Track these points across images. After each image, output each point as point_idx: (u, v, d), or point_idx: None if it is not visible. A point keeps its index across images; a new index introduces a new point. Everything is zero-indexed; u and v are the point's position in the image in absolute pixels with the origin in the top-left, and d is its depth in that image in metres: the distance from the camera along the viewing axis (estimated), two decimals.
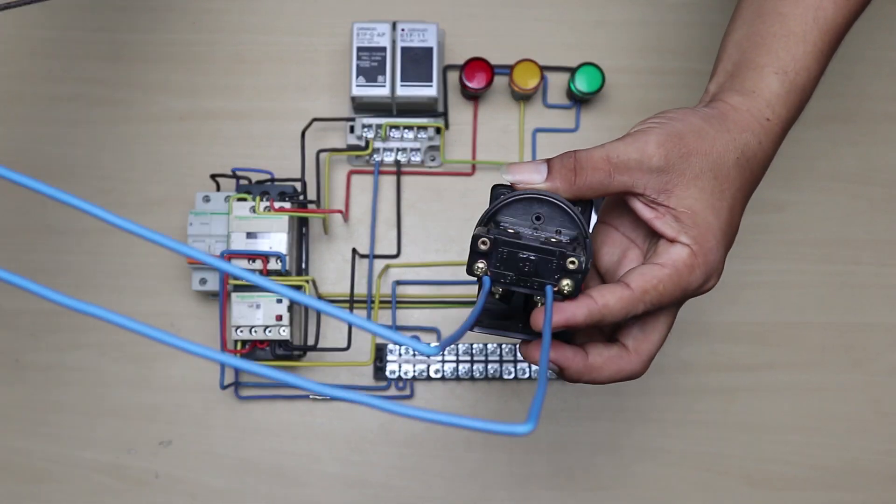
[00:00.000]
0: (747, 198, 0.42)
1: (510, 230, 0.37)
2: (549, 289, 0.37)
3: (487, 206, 0.40)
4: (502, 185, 0.40)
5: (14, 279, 0.27)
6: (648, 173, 0.39)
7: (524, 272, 0.37)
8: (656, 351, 0.42)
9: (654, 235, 0.41)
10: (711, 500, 0.66)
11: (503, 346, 0.66)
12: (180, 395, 0.66)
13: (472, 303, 0.67)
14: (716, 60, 0.45)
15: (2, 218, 0.68)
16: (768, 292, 0.68)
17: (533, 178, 0.39)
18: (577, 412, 0.66)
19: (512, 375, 0.65)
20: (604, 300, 0.38)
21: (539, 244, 0.36)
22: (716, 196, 0.39)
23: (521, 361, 0.65)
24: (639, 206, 0.40)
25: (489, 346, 0.66)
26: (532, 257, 0.37)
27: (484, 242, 0.37)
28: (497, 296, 0.39)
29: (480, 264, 0.37)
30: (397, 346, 0.65)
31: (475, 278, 0.38)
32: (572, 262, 0.36)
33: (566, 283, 0.37)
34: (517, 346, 0.66)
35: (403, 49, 0.64)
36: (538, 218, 0.39)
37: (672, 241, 0.39)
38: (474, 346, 0.66)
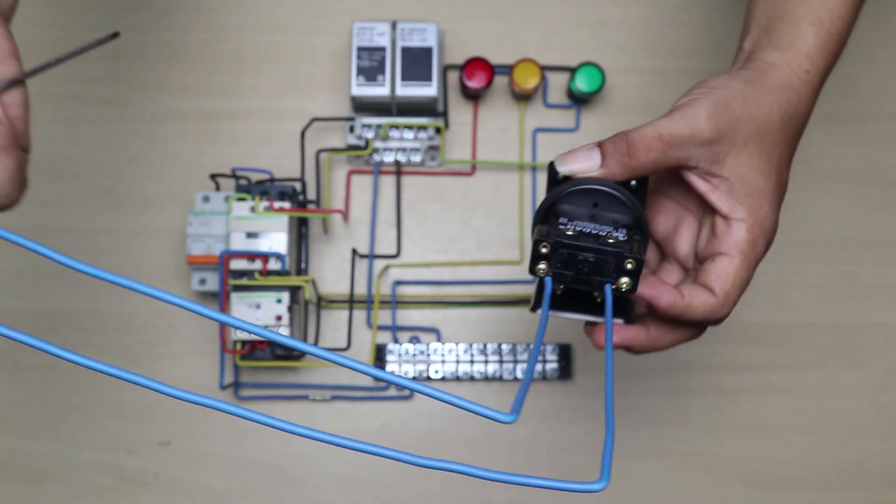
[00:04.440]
0: (793, 153, 0.43)
1: (569, 232, 0.38)
2: (607, 287, 0.38)
3: (538, 199, 0.41)
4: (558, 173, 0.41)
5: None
6: (700, 146, 0.39)
7: (584, 272, 0.38)
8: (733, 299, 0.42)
9: (708, 206, 0.41)
10: (711, 500, 0.66)
11: (503, 345, 0.66)
12: None
13: (473, 303, 0.67)
14: (746, 16, 0.45)
15: (2, 218, 0.67)
16: (768, 292, 0.68)
17: (587, 166, 0.40)
18: (577, 412, 0.66)
19: (512, 376, 0.65)
20: (691, 299, 0.40)
21: (597, 245, 0.37)
22: (764, 160, 0.40)
23: (521, 362, 0.65)
24: (693, 179, 0.41)
25: (489, 345, 0.66)
26: (591, 258, 0.38)
27: (545, 246, 0.38)
28: (558, 293, 0.40)
29: (542, 266, 0.38)
30: (397, 346, 0.65)
31: (533, 277, 0.39)
32: (630, 263, 0.37)
33: (624, 282, 0.38)
34: (530, 347, 0.66)
35: (403, 49, 0.64)
36: (595, 205, 0.40)
37: (727, 217, 0.40)
38: (474, 345, 0.66)
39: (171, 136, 0.68)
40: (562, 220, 0.39)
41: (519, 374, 0.65)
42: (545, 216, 0.40)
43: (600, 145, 0.40)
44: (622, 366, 0.67)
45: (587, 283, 0.38)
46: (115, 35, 0.45)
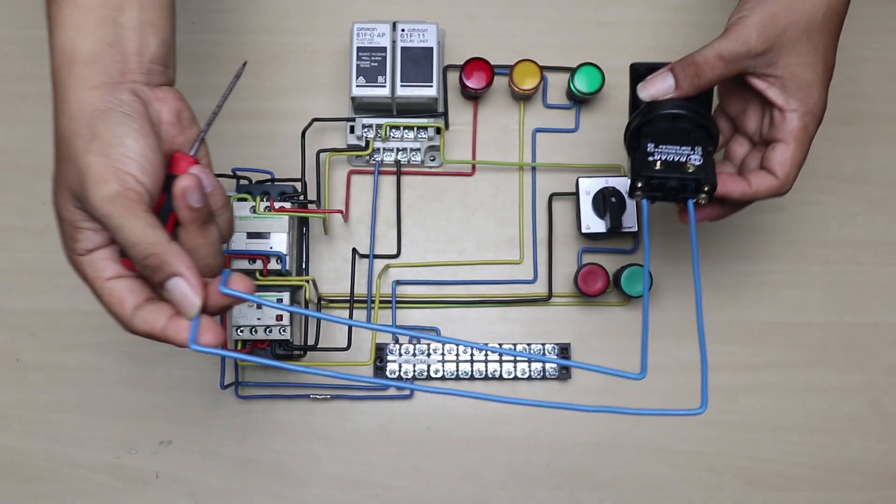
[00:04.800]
0: (837, 38, 0.49)
1: (657, 167, 0.47)
2: (690, 203, 0.48)
3: (630, 111, 0.52)
4: (639, 66, 0.50)
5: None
6: (754, 58, 0.47)
7: (671, 192, 0.48)
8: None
9: (767, 99, 0.49)
10: (711, 500, 0.66)
11: (503, 345, 0.66)
12: (181, 394, 0.66)
13: (473, 303, 0.67)
14: None
15: (2, 218, 0.68)
16: (768, 292, 0.68)
17: (664, 90, 0.49)
18: (576, 412, 0.66)
19: (512, 375, 0.65)
20: (756, 186, 0.50)
21: (680, 175, 0.47)
22: (811, 54, 0.47)
23: (520, 361, 0.65)
24: (752, 81, 0.49)
25: (489, 345, 0.66)
26: (674, 184, 0.48)
27: (640, 181, 0.48)
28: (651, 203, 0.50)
29: (638, 192, 0.49)
30: (397, 346, 0.65)
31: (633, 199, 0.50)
32: (706, 187, 0.48)
33: (703, 197, 0.48)
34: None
35: (403, 49, 0.64)
36: (674, 118, 0.49)
37: (782, 109, 0.48)
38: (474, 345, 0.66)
39: None
40: (649, 144, 0.48)
41: (519, 374, 0.65)
42: (634, 134, 0.50)
43: (672, 70, 0.48)
44: (622, 366, 0.67)
45: (674, 199, 0.49)
46: (244, 64, 0.51)
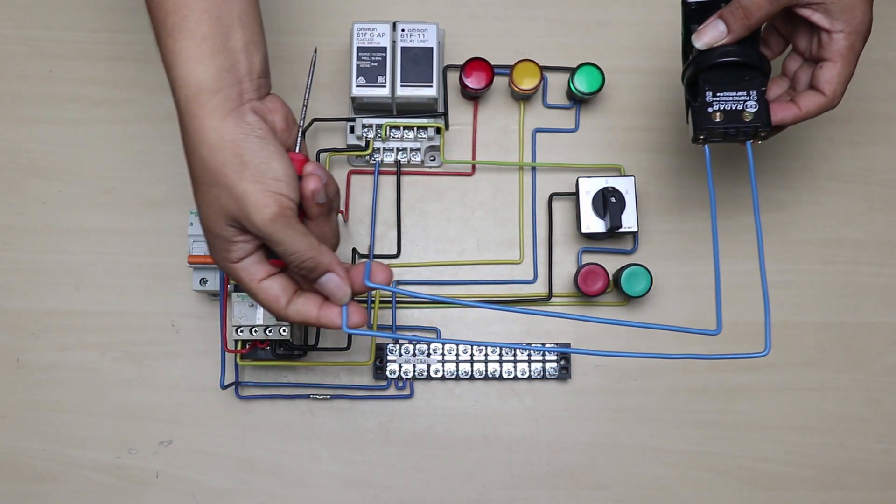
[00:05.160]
0: None
1: (717, 119, 0.51)
2: (748, 144, 0.52)
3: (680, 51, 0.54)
4: (691, 4, 0.53)
5: None
6: None
7: (730, 136, 0.52)
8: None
9: (814, 24, 0.52)
10: (711, 500, 0.66)
11: (503, 345, 0.66)
12: (181, 395, 0.66)
13: (472, 304, 0.67)
14: None
15: (2, 218, 0.68)
16: (768, 292, 0.68)
17: (717, 36, 0.51)
18: (577, 412, 0.66)
19: (511, 375, 0.65)
20: (806, 108, 0.53)
21: (737, 124, 0.51)
22: None
23: (520, 361, 0.66)
24: (798, 10, 0.51)
25: (489, 345, 0.66)
26: (732, 131, 0.51)
27: (702, 134, 0.52)
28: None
29: (701, 140, 0.52)
30: (397, 346, 0.65)
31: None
32: (763, 133, 0.52)
33: (759, 138, 0.52)
34: None
35: (403, 49, 0.64)
36: (729, 65, 0.51)
37: (829, 31, 0.51)
38: (474, 345, 0.66)
39: (171, 136, 0.68)
40: (707, 93, 0.51)
41: (520, 374, 0.65)
42: (692, 81, 0.53)
43: (721, 16, 0.51)
44: (622, 365, 0.67)
45: (733, 141, 0.52)
46: (315, 50, 0.54)
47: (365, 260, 0.47)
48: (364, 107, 0.66)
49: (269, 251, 0.46)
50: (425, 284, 0.67)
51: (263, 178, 0.43)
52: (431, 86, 0.63)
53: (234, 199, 0.43)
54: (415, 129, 0.66)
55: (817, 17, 0.51)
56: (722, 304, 0.66)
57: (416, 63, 0.63)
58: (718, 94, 0.51)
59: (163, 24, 0.44)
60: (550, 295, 0.67)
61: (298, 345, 0.64)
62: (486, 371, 0.65)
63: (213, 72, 0.43)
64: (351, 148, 0.67)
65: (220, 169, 0.43)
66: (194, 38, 0.43)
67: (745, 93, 0.51)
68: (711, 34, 0.51)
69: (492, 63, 0.66)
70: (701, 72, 0.52)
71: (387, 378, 0.66)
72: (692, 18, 0.52)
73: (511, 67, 0.66)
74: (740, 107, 0.51)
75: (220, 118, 0.43)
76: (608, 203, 0.64)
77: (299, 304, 0.47)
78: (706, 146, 0.53)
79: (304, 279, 0.47)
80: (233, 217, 0.44)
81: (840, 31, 0.51)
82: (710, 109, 0.51)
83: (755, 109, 0.51)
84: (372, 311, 0.65)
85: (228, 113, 0.43)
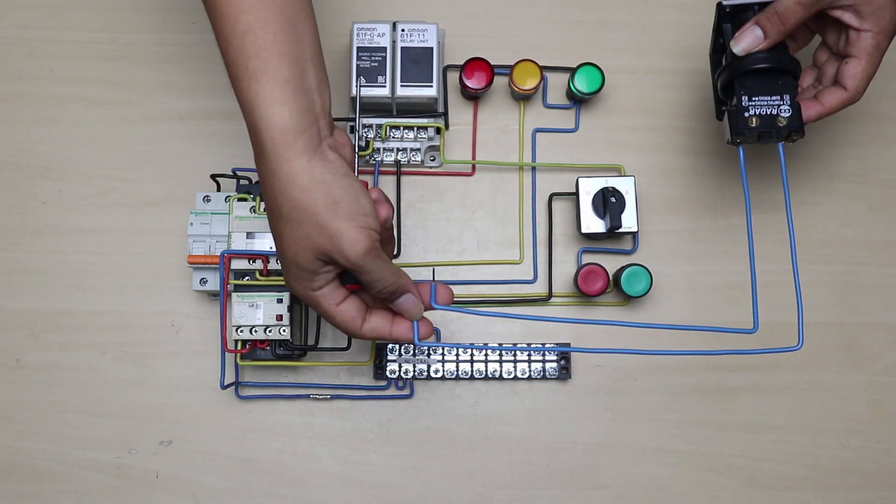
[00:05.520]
0: None
1: (752, 124, 0.54)
2: (780, 146, 0.55)
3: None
4: (725, 6, 0.56)
5: None
6: None
7: (765, 137, 0.55)
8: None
9: (843, 23, 0.54)
10: (711, 500, 0.66)
11: (503, 345, 0.66)
12: (181, 395, 0.66)
13: (473, 303, 0.67)
14: None
15: (2, 218, 0.68)
16: (768, 292, 0.68)
17: (756, 42, 0.54)
18: (577, 412, 0.66)
19: (511, 375, 0.65)
20: (829, 104, 0.55)
21: (772, 127, 0.54)
22: None
23: (520, 361, 0.66)
24: (829, 11, 0.54)
25: (489, 345, 0.66)
26: (766, 134, 0.54)
27: (738, 137, 0.55)
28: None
29: (738, 140, 0.55)
30: (397, 346, 0.65)
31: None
32: (795, 136, 0.55)
33: (792, 140, 0.55)
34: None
35: (403, 49, 0.64)
36: (767, 72, 0.54)
37: (858, 30, 0.53)
38: (474, 346, 0.66)
39: (171, 136, 0.68)
40: (743, 98, 0.54)
41: (519, 374, 0.65)
42: (727, 84, 0.56)
43: (758, 22, 0.53)
44: (622, 366, 0.67)
45: (767, 143, 0.55)
46: (358, 77, 0.57)
47: (428, 281, 0.51)
48: (364, 107, 0.66)
49: (343, 275, 0.49)
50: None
51: (355, 215, 0.45)
52: (431, 86, 0.63)
53: (328, 236, 0.45)
54: (415, 129, 0.66)
55: (847, 17, 0.53)
56: (735, 302, 0.66)
57: (416, 63, 0.63)
58: (754, 99, 0.54)
59: (244, 69, 0.45)
60: (550, 295, 0.67)
61: (298, 345, 0.64)
62: (486, 371, 0.65)
63: (297, 113, 0.45)
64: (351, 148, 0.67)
65: (313, 209, 0.45)
66: (277, 80, 0.45)
67: (778, 97, 0.54)
68: (749, 40, 0.54)
69: (492, 63, 0.66)
70: (737, 77, 0.54)
71: (387, 378, 0.66)
72: (725, 20, 0.56)
73: (511, 67, 0.66)
74: (774, 111, 0.54)
75: (308, 159, 0.45)
76: (608, 203, 0.64)
77: (373, 322, 0.50)
78: (740, 147, 0.55)
79: (382, 300, 0.50)
80: (324, 252, 0.46)
81: (868, 31, 0.53)
82: (746, 114, 0.54)
83: (788, 114, 0.53)
84: None
85: (314, 153, 0.45)
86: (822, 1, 0.53)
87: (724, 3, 0.55)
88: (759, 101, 0.54)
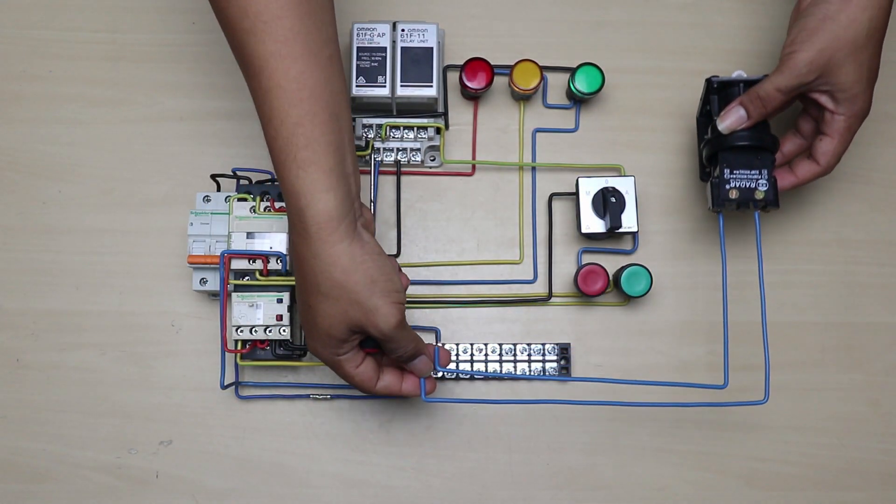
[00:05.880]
0: (881, 45, 0.57)
1: (732, 196, 0.58)
2: (756, 215, 0.59)
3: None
4: (713, 82, 0.60)
5: None
6: (807, 83, 0.56)
7: (741, 206, 0.58)
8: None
9: (820, 104, 0.58)
10: (711, 500, 0.66)
11: (503, 345, 0.66)
12: (180, 395, 0.66)
13: (473, 303, 0.67)
14: None
15: (2, 218, 0.68)
16: (768, 292, 0.68)
17: (739, 122, 0.58)
18: (577, 412, 0.66)
19: (511, 375, 0.65)
20: (803, 175, 0.60)
21: (749, 200, 0.58)
22: (856, 70, 0.56)
23: (520, 361, 0.66)
24: (807, 94, 0.58)
25: (489, 345, 0.66)
26: (747, 204, 0.58)
27: (719, 206, 0.59)
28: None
29: (719, 209, 0.59)
30: None
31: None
32: (771, 207, 0.58)
33: (768, 210, 0.59)
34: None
35: (403, 49, 0.64)
36: (749, 148, 0.59)
37: (832, 112, 0.57)
38: (474, 345, 0.66)
39: (171, 136, 0.68)
40: (725, 170, 0.58)
41: (520, 374, 0.65)
42: (711, 155, 0.60)
43: (742, 103, 0.58)
44: (622, 366, 0.67)
45: (745, 210, 0.59)
46: (371, 149, 0.62)
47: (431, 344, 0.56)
48: (364, 107, 0.66)
49: (364, 340, 0.53)
50: (425, 284, 0.67)
51: (390, 292, 0.50)
52: (431, 86, 0.63)
53: (365, 311, 0.49)
54: (415, 129, 0.66)
55: (824, 100, 0.57)
56: (735, 301, 0.66)
57: (416, 63, 0.63)
58: (735, 172, 0.58)
59: (293, 158, 0.48)
60: (550, 295, 0.67)
61: (298, 345, 0.64)
62: (487, 371, 0.65)
63: (340, 200, 0.48)
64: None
65: (353, 287, 0.49)
66: (323, 169, 0.48)
67: (757, 171, 0.58)
68: (733, 119, 0.58)
69: (492, 63, 0.66)
70: (720, 151, 0.59)
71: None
72: (713, 92, 0.60)
73: (511, 67, 0.66)
74: (753, 185, 0.58)
75: (349, 242, 0.49)
76: (608, 203, 0.64)
77: (387, 380, 0.55)
78: (720, 215, 0.60)
79: (396, 361, 0.55)
80: (358, 324, 0.50)
81: (842, 115, 0.57)
82: (727, 186, 0.58)
83: (766, 189, 0.58)
84: None
85: (353, 236, 0.49)
86: (800, 87, 0.56)
87: (713, 78, 0.60)
88: (739, 174, 0.58)
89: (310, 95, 0.47)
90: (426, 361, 0.55)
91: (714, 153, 0.60)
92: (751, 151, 0.58)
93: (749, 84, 0.58)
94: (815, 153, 0.59)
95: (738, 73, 0.59)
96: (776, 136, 0.59)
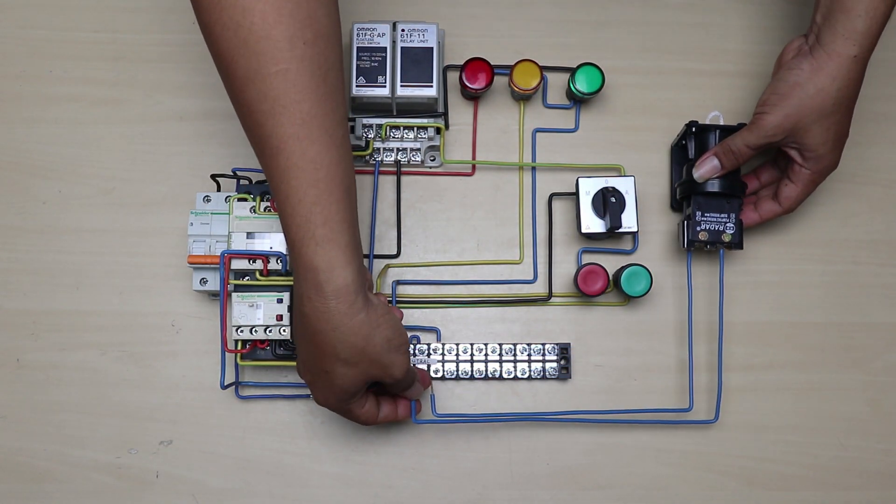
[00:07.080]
0: (851, 111, 0.60)
1: (702, 237, 0.63)
2: (721, 252, 0.65)
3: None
4: (693, 124, 0.65)
5: None
6: (776, 142, 0.60)
7: (710, 245, 0.64)
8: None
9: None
10: (711, 499, 0.66)
11: (503, 345, 0.66)
12: (181, 394, 0.66)
13: (473, 303, 0.67)
14: None
15: (2, 218, 0.68)
16: (768, 292, 0.68)
17: (714, 171, 0.62)
18: (576, 412, 0.66)
19: (511, 375, 0.65)
20: (765, 215, 0.64)
21: (716, 241, 0.63)
22: (823, 134, 0.59)
23: (520, 361, 0.66)
24: (779, 147, 0.62)
25: (489, 345, 0.66)
26: (716, 243, 0.64)
27: (691, 246, 0.64)
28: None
29: (689, 248, 0.65)
30: None
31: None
32: (737, 247, 0.64)
33: (734, 248, 0.64)
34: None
35: (403, 49, 0.64)
36: (717, 196, 0.64)
37: (799, 165, 0.61)
38: (474, 345, 0.66)
39: (171, 136, 0.68)
40: (697, 213, 0.63)
41: (520, 374, 0.65)
42: (685, 196, 0.65)
43: (716, 154, 0.62)
44: (622, 366, 0.67)
45: (712, 249, 0.65)
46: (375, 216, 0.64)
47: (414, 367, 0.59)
48: (364, 107, 0.66)
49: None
50: (425, 284, 0.67)
51: (401, 345, 0.53)
52: (431, 86, 0.63)
53: (383, 367, 0.53)
54: (415, 129, 0.66)
55: (793, 153, 0.61)
56: (734, 301, 0.66)
57: (416, 63, 0.63)
58: (706, 215, 0.63)
59: (311, 236, 0.49)
60: (550, 295, 0.67)
61: None
62: (486, 371, 0.65)
63: (355, 273, 0.50)
64: (351, 148, 0.66)
65: (373, 350, 0.51)
66: (340, 246, 0.49)
67: (726, 215, 0.63)
68: (707, 168, 0.62)
69: (492, 63, 0.66)
70: (694, 194, 0.63)
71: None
72: (691, 133, 0.65)
73: (511, 67, 0.66)
74: (721, 227, 0.63)
75: (366, 312, 0.51)
76: (608, 203, 0.64)
77: (385, 411, 0.58)
78: (689, 253, 0.66)
79: (395, 391, 0.58)
80: (374, 377, 0.53)
81: (808, 169, 0.61)
82: (698, 227, 0.63)
83: (732, 232, 0.63)
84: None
85: (367, 304, 0.51)
86: (769, 145, 0.60)
87: (692, 122, 0.64)
88: (709, 217, 0.63)
89: (326, 175, 0.49)
90: (419, 386, 0.58)
91: (687, 195, 0.64)
92: (721, 197, 0.63)
93: (724, 131, 0.63)
94: (779, 195, 0.63)
95: (714, 115, 0.64)
96: (745, 181, 0.64)
